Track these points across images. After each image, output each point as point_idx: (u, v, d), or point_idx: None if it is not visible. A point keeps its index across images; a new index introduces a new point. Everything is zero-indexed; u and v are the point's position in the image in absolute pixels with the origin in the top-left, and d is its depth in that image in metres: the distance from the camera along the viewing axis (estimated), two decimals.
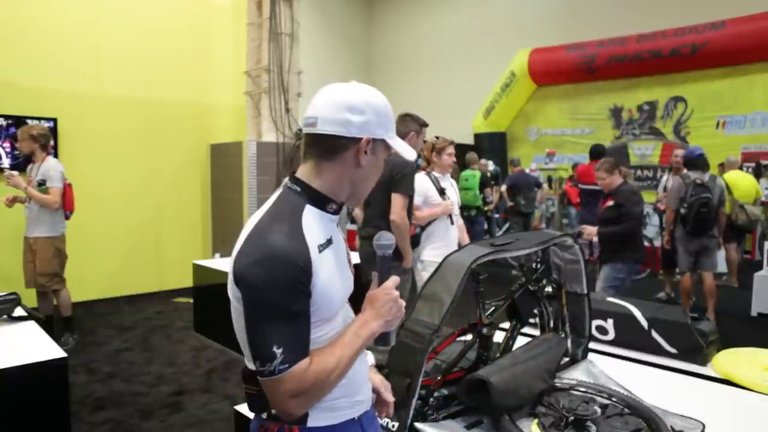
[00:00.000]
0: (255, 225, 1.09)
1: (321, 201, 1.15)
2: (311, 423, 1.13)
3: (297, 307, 1.03)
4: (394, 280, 1.19)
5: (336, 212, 1.19)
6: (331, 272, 1.11)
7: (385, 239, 1.20)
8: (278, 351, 1.01)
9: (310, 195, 1.14)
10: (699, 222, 4.93)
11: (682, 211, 5.04)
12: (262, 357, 1.02)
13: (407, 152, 1.22)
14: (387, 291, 1.16)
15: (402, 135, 3.48)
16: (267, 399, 1.09)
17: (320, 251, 1.09)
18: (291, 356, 1.02)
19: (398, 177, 3.37)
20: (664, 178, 6.82)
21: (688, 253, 5.11)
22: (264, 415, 1.15)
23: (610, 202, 4.32)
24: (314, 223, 1.11)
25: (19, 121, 5.64)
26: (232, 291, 1.09)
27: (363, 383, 1.25)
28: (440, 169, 3.91)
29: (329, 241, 1.14)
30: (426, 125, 3.70)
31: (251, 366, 1.09)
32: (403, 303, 1.19)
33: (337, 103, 1.11)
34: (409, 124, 3.58)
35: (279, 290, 1.01)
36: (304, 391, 1.04)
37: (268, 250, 1.02)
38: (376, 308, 1.14)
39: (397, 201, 3.38)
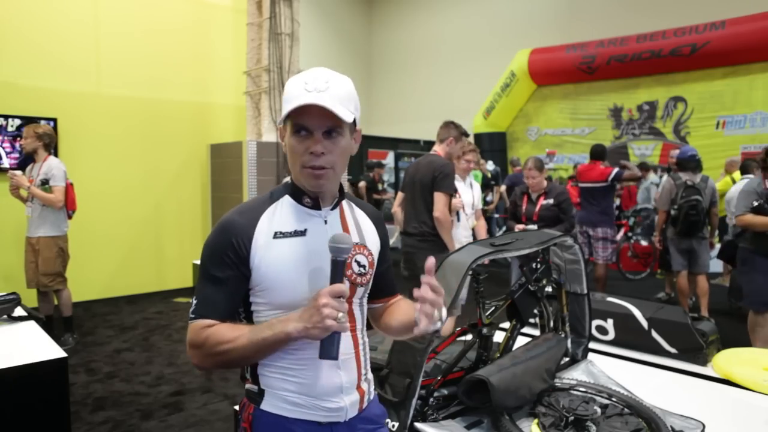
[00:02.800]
0: None
1: (295, 194, 1.21)
2: (263, 406, 1.17)
3: (218, 274, 1.12)
4: (336, 288, 1.03)
5: (313, 207, 1.19)
6: (285, 261, 1.13)
7: (343, 242, 1.07)
8: (194, 302, 1.14)
9: (291, 188, 1.22)
10: (688, 224, 4.99)
11: (672, 212, 5.10)
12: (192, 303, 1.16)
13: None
14: (320, 295, 1.02)
15: (442, 139, 3.85)
16: (242, 371, 1.22)
17: (275, 237, 1.14)
18: (199, 311, 1.13)
19: (440, 177, 3.60)
20: (664, 178, 6.82)
21: (680, 252, 5.15)
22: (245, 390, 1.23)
23: (549, 201, 4.46)
24: (285, 213, 1.18)
25: (27, 121, 5.63)
26: None
27: (328, 394, 1.17)
28: (458, 172, 4.03)
29: (299, 233, 1.16)
30: (466, 135, 3.99)
31: None
32: (334, 314, 1.01)
33: None
34: (451, 131, 3.85)
35: (208, 254, 1.15)
36: (197, 345, 1.11)
37: (219, 221, 1.16)
38: (304, 310, 1.04)
39: (439, 199, 3.61)
